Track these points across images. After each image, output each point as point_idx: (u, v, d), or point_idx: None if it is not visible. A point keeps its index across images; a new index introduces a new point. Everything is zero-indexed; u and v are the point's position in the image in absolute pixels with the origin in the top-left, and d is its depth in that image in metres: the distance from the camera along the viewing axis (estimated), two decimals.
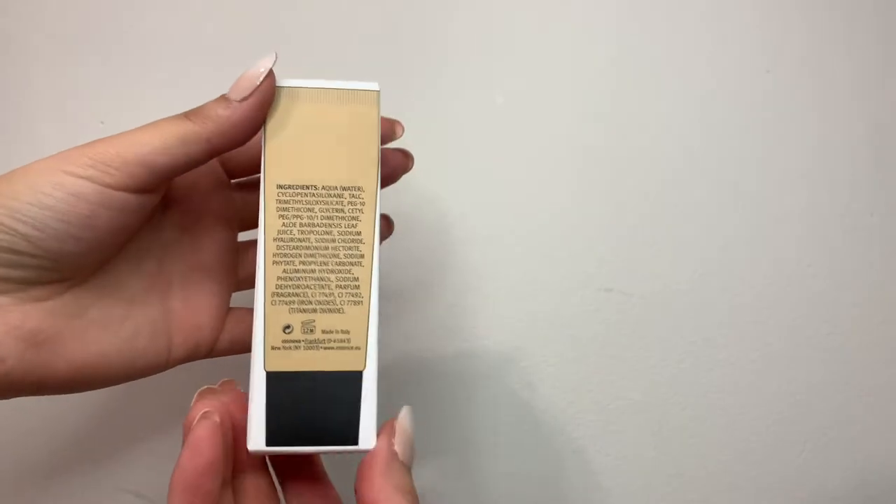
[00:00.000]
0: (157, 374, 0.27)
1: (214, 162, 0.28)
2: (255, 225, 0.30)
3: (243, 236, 0.30)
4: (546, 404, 0.37)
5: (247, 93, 0.24)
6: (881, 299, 0.38)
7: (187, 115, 0.24)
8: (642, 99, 0.38)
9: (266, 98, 0.24)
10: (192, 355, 0.27)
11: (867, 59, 0.39)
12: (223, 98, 0.24)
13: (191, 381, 0.36)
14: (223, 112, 0.23)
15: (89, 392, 0.26)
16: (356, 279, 0.24)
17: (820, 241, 0.38)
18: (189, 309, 0.27)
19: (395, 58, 0.38)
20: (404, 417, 0.24)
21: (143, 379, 0.26)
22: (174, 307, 0.27)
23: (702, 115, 0.38)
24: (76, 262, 0.23)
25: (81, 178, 0.22)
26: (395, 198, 0.37)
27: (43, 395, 0.24)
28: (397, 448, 0.23)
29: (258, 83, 0.24)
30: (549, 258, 0.37)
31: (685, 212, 0.38)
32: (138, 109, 0.37)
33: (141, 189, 0.23)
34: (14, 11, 0.37)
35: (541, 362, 0.37)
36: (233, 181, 0.29)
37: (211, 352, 0.28)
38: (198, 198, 0.28)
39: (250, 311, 0.29)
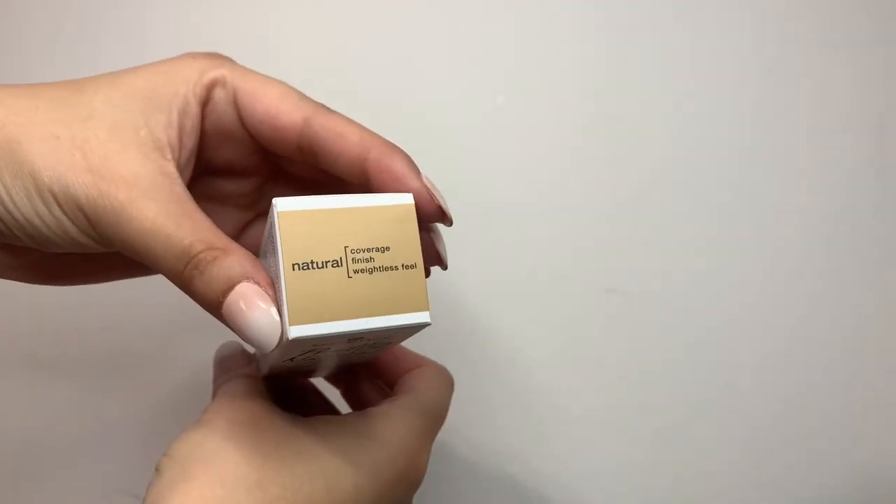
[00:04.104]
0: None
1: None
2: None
3: None
4: (546, 405, 0.37)
5: None
6: (882, 299, 0.38)
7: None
8: (643, 99, 0.38)
9: None
10: None
11: (867, 59, 0.39)
12: None
13: (192, 382, 0.37)
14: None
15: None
16: None
17: (820, 241, 0.38)
18: None
19: (394, 58, 0.38)
20: None
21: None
22: None
23: (702, 114, 0.38)
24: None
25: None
26: None
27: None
28: None
29: None
30: (550, 259, 0.37)
31: (686, 212, 0.38)
32: None
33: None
34: (15, 12, 0.37)
35: (541, 363, 0.37)
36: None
37: None
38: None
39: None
